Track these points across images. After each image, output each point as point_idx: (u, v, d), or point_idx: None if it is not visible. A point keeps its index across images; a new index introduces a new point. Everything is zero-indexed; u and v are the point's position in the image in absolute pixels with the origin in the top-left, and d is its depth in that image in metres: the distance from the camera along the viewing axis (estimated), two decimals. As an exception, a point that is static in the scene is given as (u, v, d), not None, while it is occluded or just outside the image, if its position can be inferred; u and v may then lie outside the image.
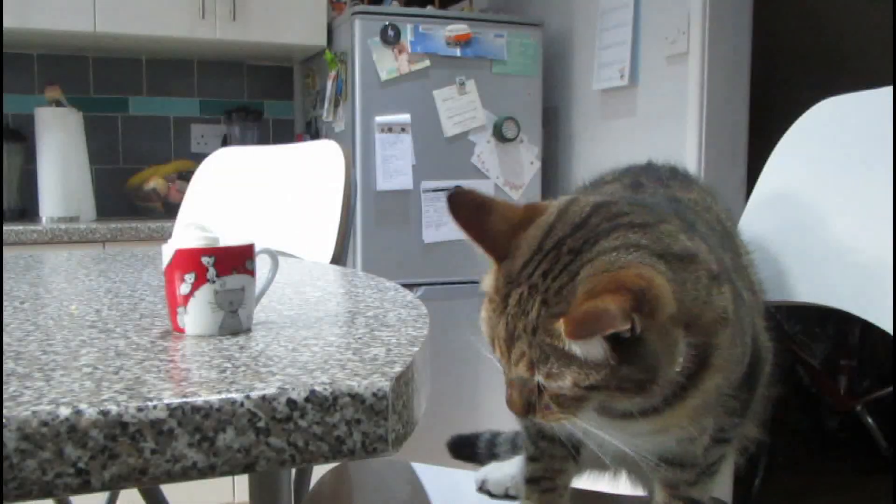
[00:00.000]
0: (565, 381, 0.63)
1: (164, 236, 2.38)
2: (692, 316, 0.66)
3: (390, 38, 2.53)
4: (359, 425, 0.53)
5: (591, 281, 0.63)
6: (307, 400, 0.52)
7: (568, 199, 0.72)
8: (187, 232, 0.73)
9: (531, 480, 0.92)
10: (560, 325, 0.62)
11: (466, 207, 0.70)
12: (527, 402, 0.68)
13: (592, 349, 0.62)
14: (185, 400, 0.50)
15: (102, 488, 0.48)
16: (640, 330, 0.61)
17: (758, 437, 0.93)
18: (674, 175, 0.94)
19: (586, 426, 0.70)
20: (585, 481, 1.01)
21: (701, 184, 0.95)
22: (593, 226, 0.68)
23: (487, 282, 0.71)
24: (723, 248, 0.80)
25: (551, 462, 0.92)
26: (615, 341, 0.61)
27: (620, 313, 0.59)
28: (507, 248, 0.69)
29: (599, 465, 0.96)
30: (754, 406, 0.87)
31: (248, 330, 0.73)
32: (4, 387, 0.52)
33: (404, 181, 2.56)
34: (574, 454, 0.92)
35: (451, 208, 0.70)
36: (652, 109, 2.45)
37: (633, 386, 0.64)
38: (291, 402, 0.52)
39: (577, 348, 0.62)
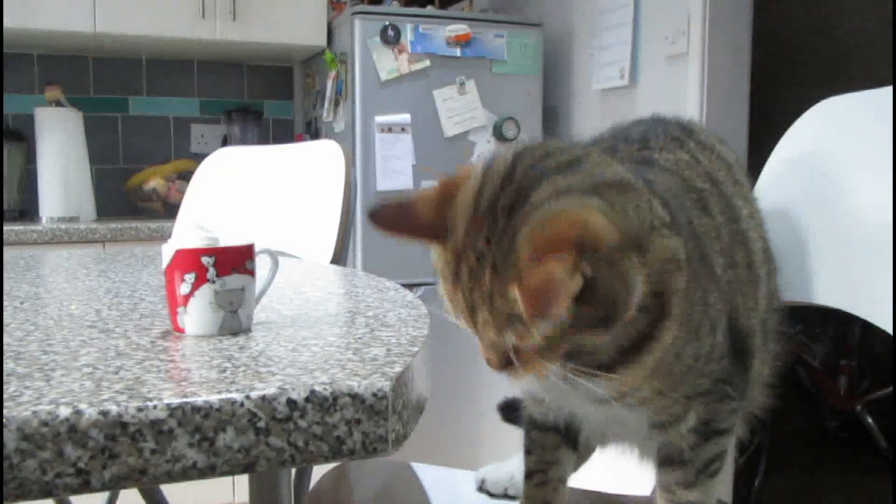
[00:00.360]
0: (533, 337, 0.64)
1: (164, 236, 2.38)
2: (638, 242, 0.65)
3: (390, 38, 2.53)
4: (359, 425, 0.53)
5: (531, 243, 0.61)
6: (307, 400, 0.52)
7: (490, 156, 0.71)
8: (189, 233, 0.73)
9: (527, 475, 0.92)
10: (515, 291, 0.62)
11: (387, 215, 0.70)
12: (504, 360, 0.67)
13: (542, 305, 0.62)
14: (185, 400, 0.50)
15: (102, 488, 0.48)
16: (587, 272, 0.61)
17: (766, 404, 0.90)
18: (665, 134, 0.88)
19: (563, 394, 0.72)
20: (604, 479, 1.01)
21: (702, 138, 0.89)
22: (519, 178, 0.66)
23: (435, 258, 0.70)
24: (701, 209, 0.78)
25: (543, 453, 0.91)
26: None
27: (569, 275, 0.59)
28: (443, 227, 0.67)
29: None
30: (755, 381, 0.85)
31: (248, 330, 0.73)
32: (4, 387, 0.52)
33: (404, 181, 2.56)
34: (567, 442, 0.90)
35: (376, 223, 0.69)
36: (652, 109, 2.44)
37: (598, 323, 0.64)
38: (291, 402, 0.52)
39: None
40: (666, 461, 0.81)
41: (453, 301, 0.68)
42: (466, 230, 0.66)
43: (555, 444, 0.91)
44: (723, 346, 0.76)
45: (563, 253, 0.59)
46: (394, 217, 0.70)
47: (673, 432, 0.79)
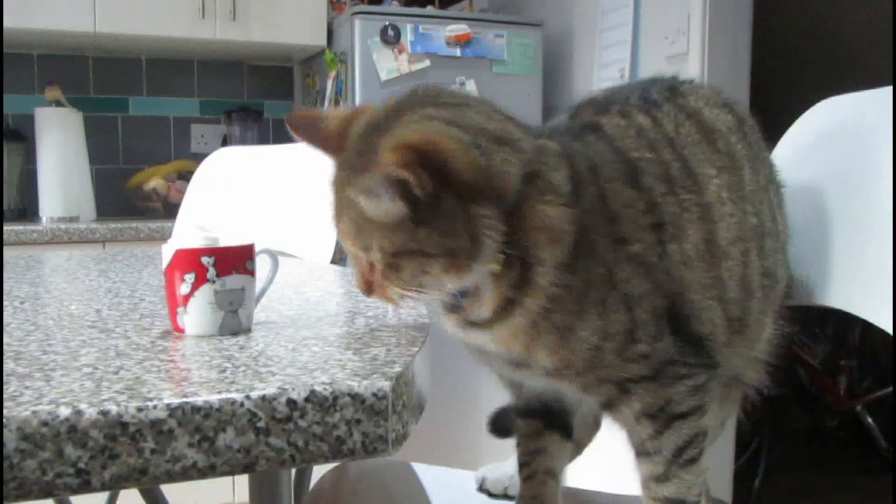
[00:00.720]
0: (374, 250, 0.67)
1: (164, 236, 2.38)
2: (499, 194, 0.67)
3: (390, 38, 2.53)
4: (359, 425, 0.53)
5: (375, 149, 0.66)
6: (307, 400, 0.52)
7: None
8: (189, 233, 0.73)
9: (519, 469, 0.91)
10: (352, 191, 0.66)
11: (302, 122, 0.76)
12: (367, 281, 0.72)
13: (386, 207, 0.64)
14: (185, 400, 0.50)
15: (102, 488, 0.48)
16: (427, 188, 0.63)
17: (760, 382, 0.87)
18: (642, 94, 0.84)
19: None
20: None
21: (686, 102, 0.83)
22: (403, 105, 0.71)
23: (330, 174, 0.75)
24: (628, 182, 0.74)
25: (527, 442, 0.90)
26: (413, 203, 0.64)
27: (398, 166, 0.62)
28: (342, 143, 0.72)
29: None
30: (744, 357, 0.81)
31: (248, 330, 0.73)
32: (4, 387, 0.52)
33: (404, 181, 2.56)
34: (553, 428, 0.88)
35: (290, 126, 0.75)
36: (652, 109, 2.45)
37: (439, 252, 0.66)
38: (291, 402, 0.52)
39: (372, 207, 0.65)
40: (637, 453, 0.78)
41: (333, 218, 0.72)
42: (350, 146, 0.71)
43: (537, 431, 0.89)
44: (654, 327, 0.72)
45: (403, 150, 0.62)
46: (306, 126, 0.75)
47: (619, 415, 0.76)
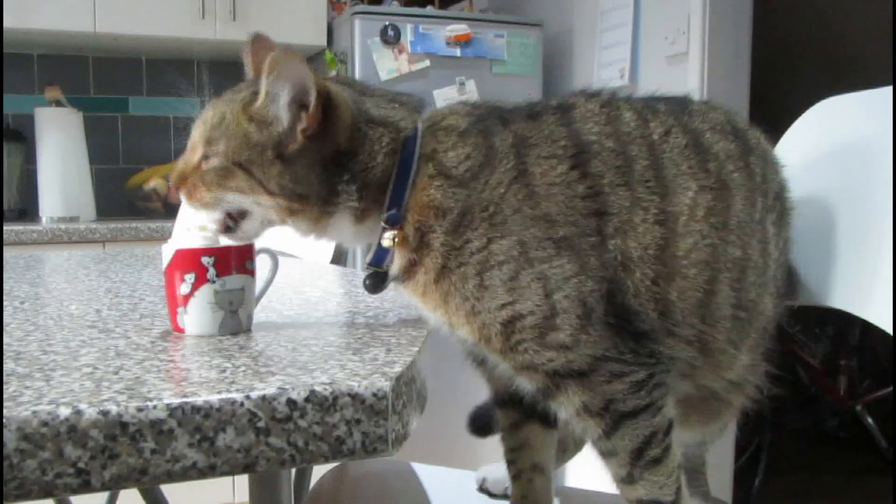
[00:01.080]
0: (219, 147, 0.73)
1: (164, 236, 2.38)
2: (363, 168, 0.74)
3: (390, 38, 2.53)
4: (359, 425, 0.53)
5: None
6: (307, 400, 0.52)
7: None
8: (189, 232, 0.73)
9: (507, 468, 0.91)
10: (261, 80, 0.71)
11: (263, 48, 0.81)
12: (183, 174, 0.76)
13: (276, 111, 0.71)
14: (185, 400, 0.50)
15: (102, 488, 0.48)
16: (313, 124, 0.71)
17: (748, 402, 0.87)
18: (647, 99, 0.83)
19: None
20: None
21: (692, 123, 0.80)
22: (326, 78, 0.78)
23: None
24: (566, 163, 0.73)
25: (509, 437, 0.89)
26: (285, 136, 0.71)
27: (313, 77, 0.69)
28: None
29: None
30: (718, 351, 0.78)
31: (248, 330, 0.73)
32: (4, 387, 0.52)
33: (404, 181, 2.56)
34: (533, 418, 0.86)
35: (251, 46, 0.82)
36: (652, 109, 2.45)
37: (279, 191, 0.72)
38: (291, 402, 0.52)
39: (264, 103, 0.72)
40: (598, 453, 0.76)
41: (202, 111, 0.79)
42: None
43: (515, 423, 0.88)
44: (577, 317, 0.71)
45: (315, 85, 0.70)
46: (262, 52, 0.79)
47: (561, 409, 0.74)
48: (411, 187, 0.74)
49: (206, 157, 0.74)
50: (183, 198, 0.76)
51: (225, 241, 0.74)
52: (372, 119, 0.76)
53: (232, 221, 0.76)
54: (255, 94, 0.73)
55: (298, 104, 0.71)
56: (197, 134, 0.75)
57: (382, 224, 0.75)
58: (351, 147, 0.74)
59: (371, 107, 0.77)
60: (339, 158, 0.73)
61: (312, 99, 0.70)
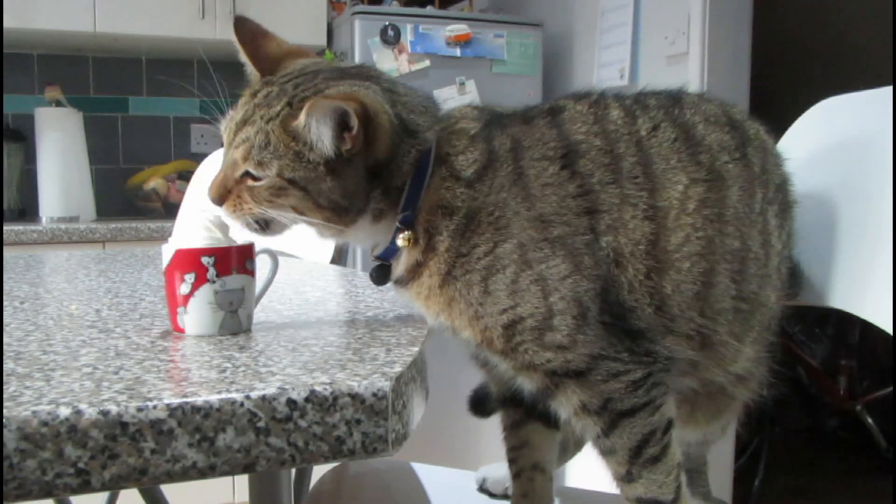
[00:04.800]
0: (271, 170, 0.71)
1: (164, 236, 2.38)
2: (391, 175, 0.74)
3: (390, 38, 2.53)
4: (359, 425, 0.53)
5: (337, 91, 0.73)
6: (307, 400, 0.52)
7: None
8: (194, 232, 0.73)
9: (508, 466, 0.91)
10: (301, 116, 0.70)
11: (249, 30, 0.81)
12: (224, 189, 0.75)
13: (323, 135, 0.70)
14: (185, 400, 0.50)
15: (102, 488, 0.48)
16: (357, 144, 0.70)
17: (753, 395, 0.87)
18: (638, 95, 0.84)
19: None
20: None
21: (683, 116, 0.81)
22: (348, 72, 0.78)
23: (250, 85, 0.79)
24: (557, 162, 0.75)
25: (510, 436, 0.90)
26: (334, 153, 0.70)
27: (354, 107, 0.69)
28: (274, 67, 0.78)
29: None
30: (717, 347, 0.78)
31: (248, 330, 0.73)
32: (4, 387, 0.52)
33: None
34: (535, 416, 0.87)
35: (236, 30, 0.80)
36: (652, 109, 2.45)
37: (328, 205, 0.73)
38: (291, 402, 0.52)
39: (310, 127, 0.70)
40: (598, 452, 0.77)
41: (235, 112, 0.76)
42: (286, 74, 0.77)
43: (517, 422, 0.89)
44: (573, 317, 0.71)
45: (355, 100, 0.69)
46: (252, 35, 0.81)
47: (560, 408, 0.75)
48: (425, 189, 0.75)
49: (254, 176, 0.73)
50: (225, 211, 0.76)
51: (258, 238, 0.78)
52: (406, 129, 0.75)
53: (261, 223, 0.77)
54: (290, 105, 0.72)
55: (342, 128, 0.71)
56: (239, 154, 0.73)
57: (397, 224, 0.75)
58: (387, 156, 0.74)
59: (403, 114, 0.76)
60: (377, 168, 0.74)
61: (354, 125, 0.70)
